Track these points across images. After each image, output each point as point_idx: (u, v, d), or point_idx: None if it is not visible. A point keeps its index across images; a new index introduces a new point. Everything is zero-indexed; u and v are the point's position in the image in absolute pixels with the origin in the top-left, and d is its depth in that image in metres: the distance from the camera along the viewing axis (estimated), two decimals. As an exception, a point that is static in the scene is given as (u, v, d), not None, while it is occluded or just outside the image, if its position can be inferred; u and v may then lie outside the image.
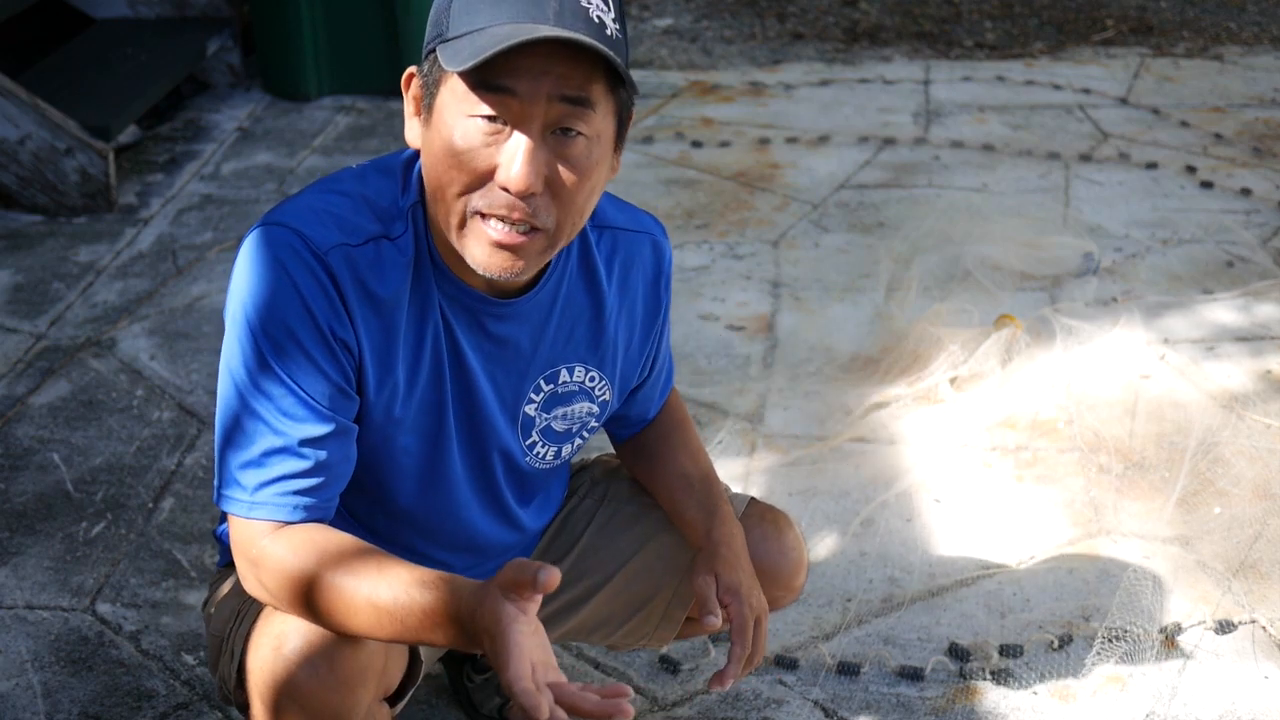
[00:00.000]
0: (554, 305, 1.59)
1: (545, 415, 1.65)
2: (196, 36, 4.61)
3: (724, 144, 4.27)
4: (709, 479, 1.79)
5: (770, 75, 4.98)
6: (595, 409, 1.69)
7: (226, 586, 1.69)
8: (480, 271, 1.44)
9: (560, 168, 1.40)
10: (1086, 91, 4.72)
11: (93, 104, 4.00)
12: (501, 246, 1.41)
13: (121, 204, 3.86)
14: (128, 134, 4.24)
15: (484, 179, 1.39)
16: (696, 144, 4.27)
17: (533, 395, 1.63)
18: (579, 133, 1.39)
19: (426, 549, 1.67)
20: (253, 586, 1.48)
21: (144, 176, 4.07)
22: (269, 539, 1.45)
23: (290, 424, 1.44)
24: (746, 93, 4.78)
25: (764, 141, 4.29)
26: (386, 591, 1.36)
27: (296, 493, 1.45)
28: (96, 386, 2.95)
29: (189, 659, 2.18)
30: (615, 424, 1.84)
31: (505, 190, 1.38)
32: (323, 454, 1.46)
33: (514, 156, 1.37)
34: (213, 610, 1.70)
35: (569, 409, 1.66)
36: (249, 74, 4.79)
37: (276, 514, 1.45)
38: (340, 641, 1.45)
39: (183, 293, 3.36)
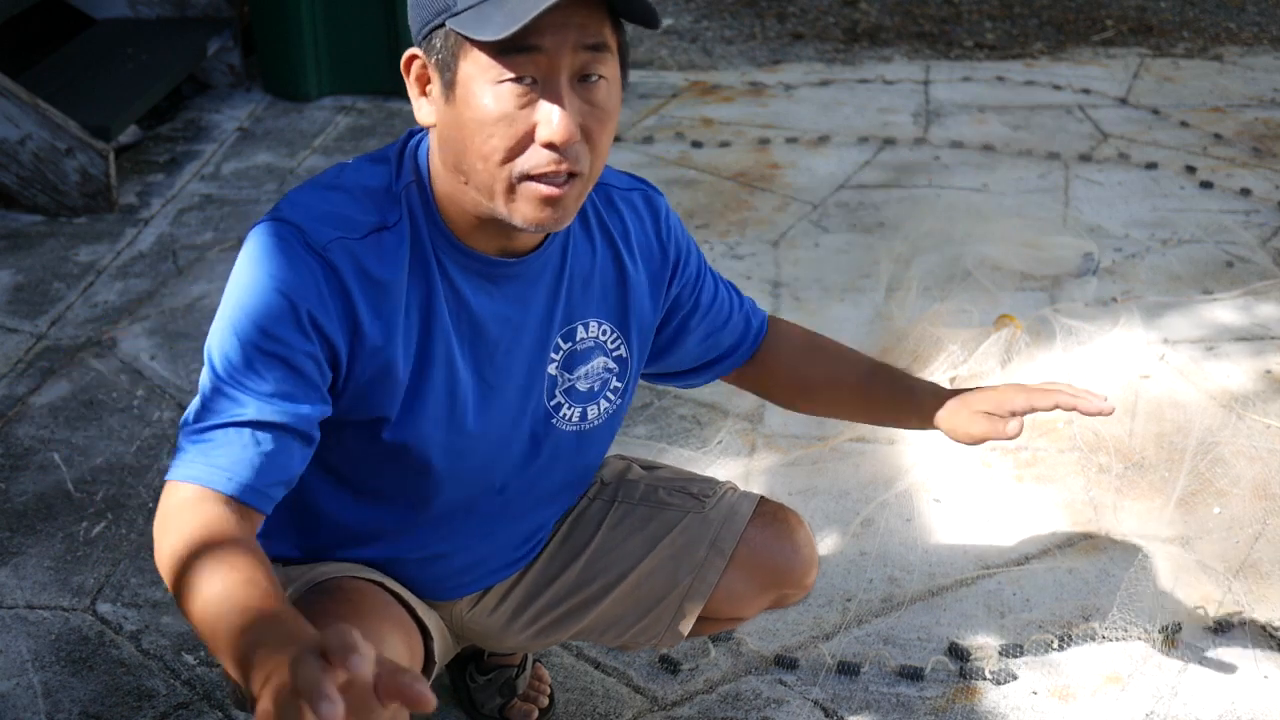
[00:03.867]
0: (564, 261, 1.61)
1: (567, 375, 1.66)
2: (197, 36, 4.61)
3: (724, 144, 4.27)
4: (886, 365, 1.87)
5: (770, 75, 4.98)
6: (613, 365, 1.69)
7: None
8: (530, 228, 1.46)
9: (589, 112, 1.43)
10: (1086, 91, 4.72)
11: (93, 104, 4.00)
12: (549, 201, 1.44)
13: (122, 204, 3.86)
14: (128, 134, 4.24)
15: (526, 142, 1.42)
16: (696, 144, 4.27)
17: (553, 355, 1.64)
18: (600, 76, 1.43)
19: (454, 542, 1.68)
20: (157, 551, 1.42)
21: (144, 176, 4.07)
22: (186, 500, 1.41)
23: (249, 405, 1.42)
24: (746, 93, 4.78)
25: (764, 141, 4.29)
26: (225, 579, 1.30)
27: (232, 464, 1.42)
28: (97, 386, 2.95)
29: (189, 659, 2.18)
30: (705, 367, 1.86)
31: (549, 146, 1.41)
32: (270, 443, 1.43)
33: (552, 112, 1.40)
34: None
35: (588, 366, 1.68)
36: (249, 74, 4.79)
37: (207, 477, 1.41)
38: (367, 641, 1.44)
39: (183, 293, 3.36)
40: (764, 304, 3.29)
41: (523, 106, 1.40)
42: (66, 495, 2.59)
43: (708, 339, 1.83)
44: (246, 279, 1.44)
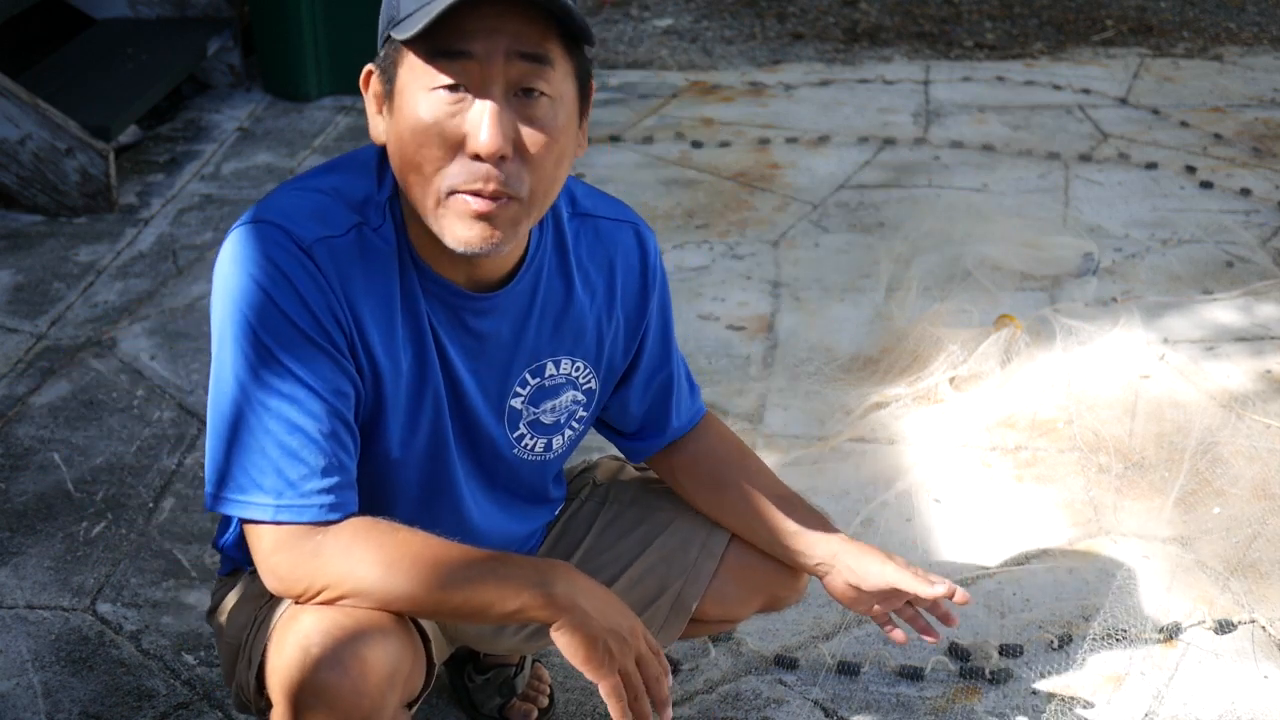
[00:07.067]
0: (534, 297, 1.58)
1: (533, 409, 1.64)
2: (197, 36, 4.61)
3: (724, 144, 4.27)
4: (800, 497, 1.84)
5: (770, 75, 4.98)
6: (581, 398, 1.68)
7: (235, 594, 1.68)
8: (460, 249, 1.42)
9: (526, 129, 1.39)
10: (1086, 91, 4.72)
11: (93, 104, 4.00)
12: (479, 217, 1.40)
13: (122, 204, 3.86)
14: (128, 134, 4.24)
15: (454, 151, 1.38)
16: (696, 144, 4.27)
17: (518, 389, 1.62)
18: (541, 93, 1.39)
19: None
20: (306, 582, 1.44)
21: (144, 176, 4.07)
22: (323, 539, 1.44)
23: (306, 419, 1.42)
24: (746, 93, 4.78)
25: (764, 141, 4.29)
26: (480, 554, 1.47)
27: (321, 491, 1.43)
28: (97, 386, 2.95)
29: (189, 659, 2.18)
30: (645, 434, 1.80)
31: (477, 158, 1.38)
32: (342, 449, 1.45)
33: (480, 121, 1.37)
34: (223, 619, 1.68)
35: (556, 401, 1.66)
36: (249, 74, 4.79)
37: (303, 515, 1.43)
38: (371, 643, 1.43)
39: (183, 293, 3.36)
40: (764, 304, 3.29)
41: (453, 115, 1.37)
42: (66, 495, 2.59)
43: (644, 400, 1.77)
44: (249, 286, 1.41)
